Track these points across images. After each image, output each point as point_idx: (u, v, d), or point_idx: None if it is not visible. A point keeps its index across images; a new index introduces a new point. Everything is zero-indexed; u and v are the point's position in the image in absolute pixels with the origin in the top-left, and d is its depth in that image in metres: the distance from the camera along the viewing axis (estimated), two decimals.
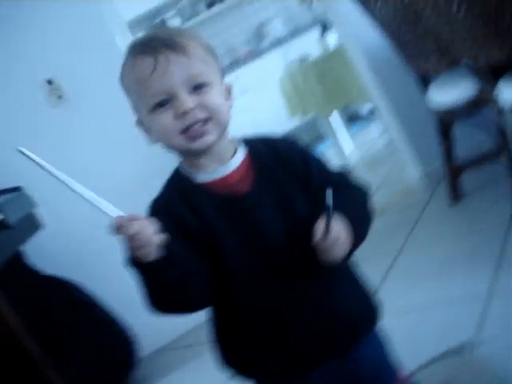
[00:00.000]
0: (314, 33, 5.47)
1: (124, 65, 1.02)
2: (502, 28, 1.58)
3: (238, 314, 1.05)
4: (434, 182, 2.91)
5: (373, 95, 3.11)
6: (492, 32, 1.61)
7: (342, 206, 0.98)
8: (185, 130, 0.98)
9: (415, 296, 2.03)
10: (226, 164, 1.03)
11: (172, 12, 6.12)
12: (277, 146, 1.08)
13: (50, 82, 2.60)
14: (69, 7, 2.60)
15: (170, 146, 1.01)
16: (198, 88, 0.98)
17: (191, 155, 1.02)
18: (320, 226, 0.95)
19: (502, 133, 1.88)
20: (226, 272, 1.01)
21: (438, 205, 2.73)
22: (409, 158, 3.06)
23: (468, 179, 2.60)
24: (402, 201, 3.03)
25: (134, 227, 0.85)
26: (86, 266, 2.64)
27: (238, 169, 1.04)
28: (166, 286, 0.94)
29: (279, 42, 5.96)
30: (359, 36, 2.84)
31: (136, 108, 1.04)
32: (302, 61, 4.19)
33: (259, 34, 6.37)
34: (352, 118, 5.70)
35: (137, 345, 2.51)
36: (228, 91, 1.05)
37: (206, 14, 6.13)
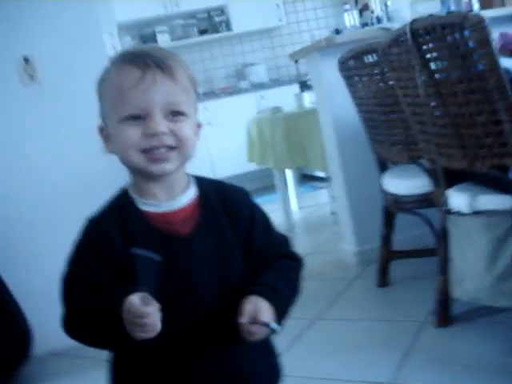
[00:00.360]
0: (293, 88, 5.59)
1: (108, 69, 1.01)
2: (468, 139, 1.66)
3: (138, 358, 1.02)
4: (366, 261, 2.97)
5: (330, 163, 3.18)
6: (459, 140, 1.69)
7: (277, 284, 1.01)
8: (147, 151, 0.97)
9: (317, 368, 2.04)
10: (175, 199, 1.02)
11: (163, 27, 6.16)
12: (228, 194, 1.08)
13: (26, 60, 2.56)
14: None
15: (126, 162, 1.00)
16: (174, 115, 0.98)
17: (143, 177, 1.01)
18: (248, 308, 0.96)
19: (443, 233, 1.94)
20: None
21: (364, 284, 2.79)
22: (348, 232, 3.12)
23: (399, 266, 2.67)
24: (330, 271, 3.07)
25: (150, 319, 0.88)
26: (5, 250, 2.58)
27: (185, 208, 1.03)
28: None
29: (257, 87, 6.06)
30: (333, 104, 2.91)
31: (104, 113, 1.02)
32: (274, 111, 4.25)
33: (241, 73, 6.47)
34: (307, 177, 5.81)
35: (32, 341, 2.44)
36: (198, 127, 1.05)
37: (195, 39, 6.20)
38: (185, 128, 0.99)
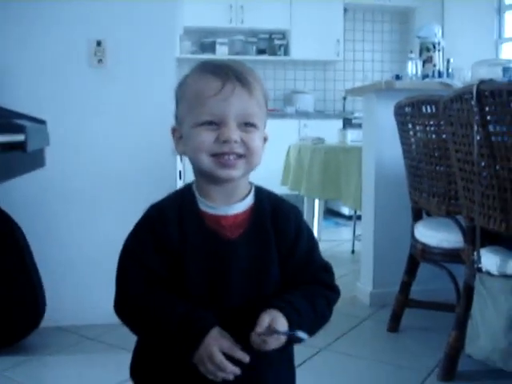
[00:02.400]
0: (336, 123, 5.67)
1: (189, 76, 1.08)
2: (511, 204, 1.71)
3: (165, 352, 1.07)
4: (380, 303, 3.01)
5: (363, 202, 3.23)
6: (501, 203, 1.75)
7: (300, 306, 1.04)
8: (217, 155, 1.03)
9: None
10: (231, 205, 1.09)
11: (224, 40, 6.30)
12: (279, 209, 1.13)
13: (99, 43, 2.67)
14: None
15: (196, 163, 1.06)
16: (246, 125, 1.04)
17: (207, 180, 1.08)
18: (264, 319, 0.99)
19: (467, 290, 1.98)
20: None
21: (374, 325, 2.82)
22: (367, 272, 3.16)
23: (412, 315, 2.70)
24: (343, 307, 3.08)
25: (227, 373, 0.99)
26: (42, 220, 2.66)
27: (238, 214, 1.09)
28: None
29: (302, 115, 6.15)
30: (379, 146, 2.98)
31: (180, 116, 1.09)
32: (317, 141, 4.32)
33: (288, 98, 6.57)
34: (331, 212, 5.86)
35: (43, 313, 2.50)
36: (264, 139, 1.12)
37: (252, 57, 6.33)
38: (255, 139, 1.06)
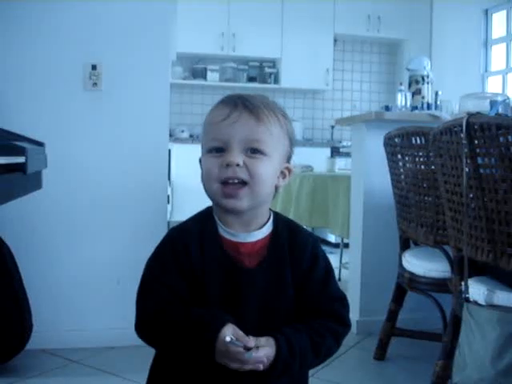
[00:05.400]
0: (324, 151, 5.72)
1: (213, 106, 1.12)
2: (499, 235, 1.74)
3: (182, 368, 1.08)
4: (366, 332, 3.01)
5: (352, 230, 3.26)
6: (489, 234, 1.77)
7: (299, 343, 1.04)
8: (223, 183, 1.05)
9: None
10: (250, 233, 1.10)
11: (215, 66, 6.36)
12: (296, 237, 1.14)
13: (94, 67, 2.70)
14: (143, 13, 2.77)
15: (207, 190, 1.09)
16: (252, 151, 1.06)
17: (221, 209, 1.10)
18: (258, 340, 1.00)
19: (454, 319, 2.00)
20: None
21: (361, 354, 2.82)
22: (354, 301, 3.16)
23: (398, 344, 2.72)
24: None
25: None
26: (31, 241, 2.66)
27: (256, 241, 1.11)
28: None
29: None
30: (368, 175, 3.01)
31: (201, 145, 1.12)
32: (305, 169, 4.35)
33: None
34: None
35: (30, 335, 2.49)
36: (286, 173, 1.13)
37: (242, 85, 6.40)
38: (260, 165, 1.06)
